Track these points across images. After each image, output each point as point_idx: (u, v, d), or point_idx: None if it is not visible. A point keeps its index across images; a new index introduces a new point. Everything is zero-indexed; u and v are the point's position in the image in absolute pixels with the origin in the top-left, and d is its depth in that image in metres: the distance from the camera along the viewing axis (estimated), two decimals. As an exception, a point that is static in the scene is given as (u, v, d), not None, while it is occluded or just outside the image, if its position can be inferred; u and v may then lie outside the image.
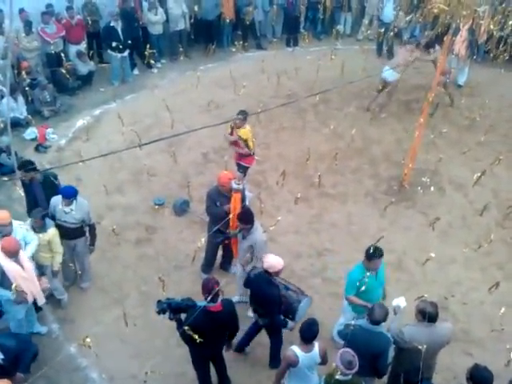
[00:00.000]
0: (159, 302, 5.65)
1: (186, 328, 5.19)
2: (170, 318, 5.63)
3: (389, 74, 10.94)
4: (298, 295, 6.40)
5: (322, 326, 6.14)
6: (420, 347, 5.03)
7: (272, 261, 6.10)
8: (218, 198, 7.15)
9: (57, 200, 7.00)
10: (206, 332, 5.45)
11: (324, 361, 5.45)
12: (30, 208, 7.51)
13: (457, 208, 9.25)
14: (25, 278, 6.17)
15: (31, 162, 7.59)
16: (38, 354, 6.35)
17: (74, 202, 6.93)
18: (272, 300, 6.08)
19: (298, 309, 6.26)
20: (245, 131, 8.50)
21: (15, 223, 6.58)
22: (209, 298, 5.42)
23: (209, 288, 5.47)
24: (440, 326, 5.51)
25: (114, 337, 6.90)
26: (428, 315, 5.33)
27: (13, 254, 6.04)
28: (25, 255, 6.29)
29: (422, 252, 7.74)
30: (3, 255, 6.03)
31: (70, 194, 6.90)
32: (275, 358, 6.54)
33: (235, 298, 7.09)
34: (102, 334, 6.83)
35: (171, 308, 5.60)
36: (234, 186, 7.04)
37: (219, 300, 5.60)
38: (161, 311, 5.64)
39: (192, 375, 6.54)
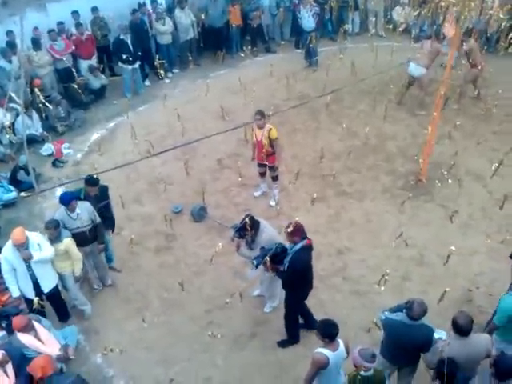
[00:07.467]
0: (256, 258, 6.13)
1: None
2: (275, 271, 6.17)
3: (412, 68, 10.94)
4: None
5: (346, 325, 6.13)
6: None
7: None
8: None
9: (61, 212, 7.03)
10: (310, 266, 6.18)
11: (348, 353, 5.36)
12: None
13: (476, 199, 9.16)
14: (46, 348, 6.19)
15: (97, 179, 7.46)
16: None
17: (77, 205, 6.98)
18: None
19: None
20: (273, 131, 8.47)
21: (31, 234, 6.62)
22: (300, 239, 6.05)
23: (301, 229, 6.07)
24: (475, 339, 5.28)
25: (139, 345, 6.95)
26: (460, 328, 5.15)
27: (22, 330, 6.05)
28: (42, 329, 6.27)
29: (444, 245, 7.64)
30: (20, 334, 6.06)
31: (69, 200, 6.92)
32: None
33: (255, 292, 7.54)
34: (127, 342, 6.90)
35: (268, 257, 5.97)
36: None
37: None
38: (258, 264, 6.09)
39: (218, 379, 6.55)
